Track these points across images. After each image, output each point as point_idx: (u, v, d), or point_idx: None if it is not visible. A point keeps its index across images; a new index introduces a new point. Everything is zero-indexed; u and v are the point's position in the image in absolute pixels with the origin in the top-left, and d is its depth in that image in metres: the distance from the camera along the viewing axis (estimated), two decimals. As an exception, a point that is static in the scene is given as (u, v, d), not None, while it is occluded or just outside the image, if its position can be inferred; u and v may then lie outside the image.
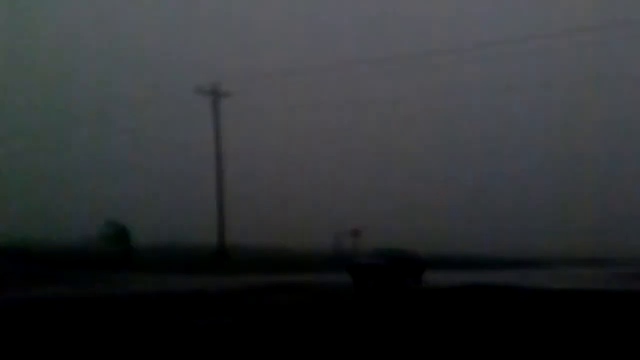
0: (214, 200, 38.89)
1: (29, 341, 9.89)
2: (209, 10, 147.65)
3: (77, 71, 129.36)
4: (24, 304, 15.13)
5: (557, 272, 49.53)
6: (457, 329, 11.95)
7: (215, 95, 38.80)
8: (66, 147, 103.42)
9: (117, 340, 10.08)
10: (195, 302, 16.42)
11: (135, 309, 14.42)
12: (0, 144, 74.81)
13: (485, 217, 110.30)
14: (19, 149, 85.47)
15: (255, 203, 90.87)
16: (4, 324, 12.02)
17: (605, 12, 71.30)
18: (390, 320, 13.23)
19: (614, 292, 22.02)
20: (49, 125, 76.52)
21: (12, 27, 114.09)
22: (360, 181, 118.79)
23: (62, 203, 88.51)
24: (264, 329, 11.52)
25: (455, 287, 23.35)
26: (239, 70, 56.42)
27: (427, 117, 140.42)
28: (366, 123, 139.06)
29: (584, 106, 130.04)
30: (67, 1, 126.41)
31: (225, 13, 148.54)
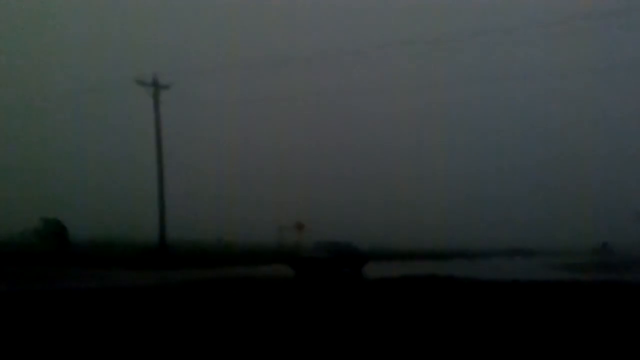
0: (155, 194, 38.02)
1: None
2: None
3: (10, 63, 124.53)
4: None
5: (490, 262, 51.02)
6: (393, 319, 12.12)
7: (156, 87, 37.88)
8: (3, 142, 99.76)
9: (47, 336, 9.77)
10: (131, 297, 16.08)
11: (65, 304, 14.01)
12: None
13: (427, 211, 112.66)
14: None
15: (197, 197, 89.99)
16: None
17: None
18: (325, 311, 13.30)
19: (549, 282, 22.77)
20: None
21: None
22: (304, 175, 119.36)
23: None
24: (203, 324, 11.39)
25: (395, 279, 23.71)
26: (180, 63, 55.61)
27: (370, 111, 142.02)
28: (309, 117, 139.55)
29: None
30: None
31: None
